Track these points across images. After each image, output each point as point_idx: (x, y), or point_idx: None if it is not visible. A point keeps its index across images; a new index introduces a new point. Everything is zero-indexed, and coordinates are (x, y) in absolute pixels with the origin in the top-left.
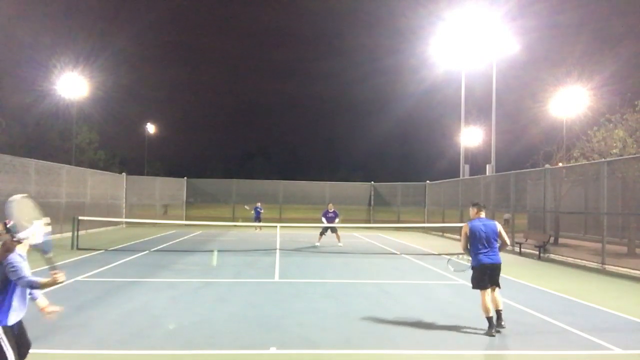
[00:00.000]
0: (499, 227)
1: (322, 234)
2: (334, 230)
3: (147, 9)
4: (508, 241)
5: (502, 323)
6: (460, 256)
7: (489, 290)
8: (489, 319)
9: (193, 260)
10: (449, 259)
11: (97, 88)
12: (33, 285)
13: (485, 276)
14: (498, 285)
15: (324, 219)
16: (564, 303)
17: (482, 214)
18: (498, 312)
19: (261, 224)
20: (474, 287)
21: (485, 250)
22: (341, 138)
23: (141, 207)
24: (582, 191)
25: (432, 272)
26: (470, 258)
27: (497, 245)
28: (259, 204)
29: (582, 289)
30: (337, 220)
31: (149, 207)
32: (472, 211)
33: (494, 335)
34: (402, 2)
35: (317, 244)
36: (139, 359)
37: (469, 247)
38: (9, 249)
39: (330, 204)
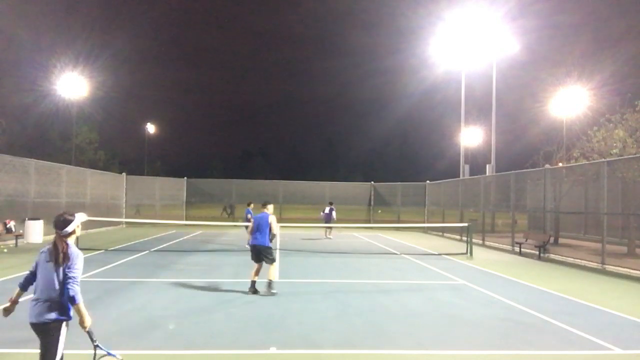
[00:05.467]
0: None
1: (326, 229)
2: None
3: (147, 9)
4: (275, 230)
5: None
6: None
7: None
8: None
9: (193, 260)
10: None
11: (97, 88)
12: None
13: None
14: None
15: (322, 214)
16: (564, 303)
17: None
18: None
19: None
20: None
21: (255, 235)
22: (341, 138)
23: (141, 207)
24: (582, 191)
25: (432, 272)
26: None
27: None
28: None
29: (582, 289)
30: (333, 213)
31: (149, 207)
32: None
33: (248, 293)
34: (402, 2)
35: (330, 237)
36: (138, 359)
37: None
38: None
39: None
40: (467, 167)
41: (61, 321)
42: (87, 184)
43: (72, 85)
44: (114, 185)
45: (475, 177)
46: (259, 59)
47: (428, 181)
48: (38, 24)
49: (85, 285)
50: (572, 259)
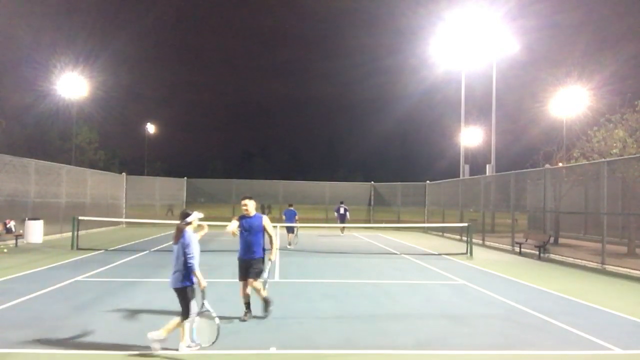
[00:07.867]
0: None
1: (341, 228)
2: (344, 223)
3: (147, 9)
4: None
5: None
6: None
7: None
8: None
9: None
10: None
11: (97, 88)
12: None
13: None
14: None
15: (336, 214)
16: (564, 303)
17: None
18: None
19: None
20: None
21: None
22: (341, 138)
23: (141, 207)
24: (582, 191)
25: (432, 272)
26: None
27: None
28: None
29: (582, 289)
30: (348, 213)
31: (149, 207)
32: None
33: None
34: (402, 2)
35: (343, 234)
36: (139, 359)
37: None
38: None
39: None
40: (467, 167)
41: (186, 286)
42: (87, 184)
43: (72, 85)
44: (114, 185)
45: (475, 177)
46: (259, 59)
47: (428, 181)
48: (38, 24)
49: (85, 285)
50: (572, 259)
